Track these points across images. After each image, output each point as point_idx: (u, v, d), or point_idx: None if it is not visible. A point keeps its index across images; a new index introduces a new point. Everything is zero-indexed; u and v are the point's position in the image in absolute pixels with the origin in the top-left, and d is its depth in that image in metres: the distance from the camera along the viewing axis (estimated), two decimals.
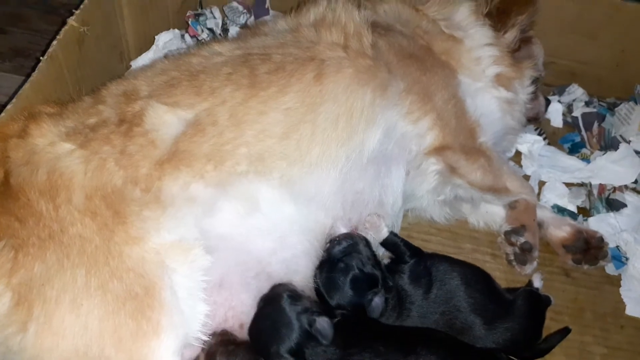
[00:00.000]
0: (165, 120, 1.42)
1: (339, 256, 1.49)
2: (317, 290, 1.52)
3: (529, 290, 1.67)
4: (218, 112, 1.44)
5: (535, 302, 1.64)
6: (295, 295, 1.45)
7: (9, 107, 1.48)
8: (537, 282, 1.73)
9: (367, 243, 1.57)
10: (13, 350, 1.18)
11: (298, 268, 1.53)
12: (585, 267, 1.91)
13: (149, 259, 1.26)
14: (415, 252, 1.63)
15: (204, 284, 1.32)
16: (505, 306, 1.60)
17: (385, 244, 1.62)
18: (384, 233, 1.60)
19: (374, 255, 1.57)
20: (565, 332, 1.68)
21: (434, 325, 1.56)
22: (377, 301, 1.48)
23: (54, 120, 1.41)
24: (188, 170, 1.38)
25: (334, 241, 1.53)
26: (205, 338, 1.32)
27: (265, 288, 1.48)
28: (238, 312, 1.45)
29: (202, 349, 1.38)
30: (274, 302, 1.44)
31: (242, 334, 1.46)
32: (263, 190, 1.45)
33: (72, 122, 1.41)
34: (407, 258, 1.60)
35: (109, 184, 1.30)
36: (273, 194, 1.46)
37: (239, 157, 1.43)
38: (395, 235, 1.63)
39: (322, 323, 1.39)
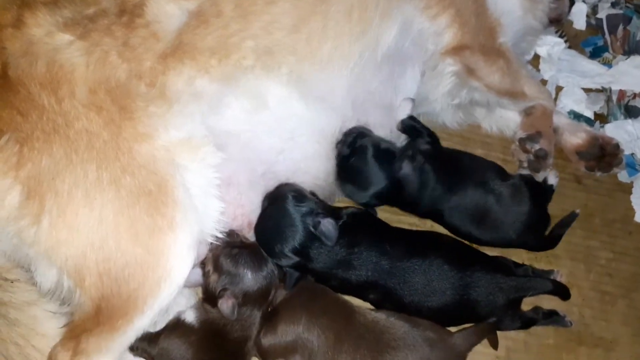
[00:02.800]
0: (167, 11, 1.34)
1: (349, 150, 1.47)
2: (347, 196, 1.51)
3: (526, 176, 1.66)
4: (222, 1, 1.37)
5: (535, 188, 1.63)
6: (299, 196, 1.44)
7: None
8: (552, 179, 1.70)
9: (369, 130, 1.55)
10: (27, 243, 1.18)
11: (307, 169, 1.51)
12: (598, 174, 1.89)
13: (159, 157, 1.24)
14: (434, 139, 1.60)
15: (216, 180, 1.31)
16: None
17: (403, 123, 1.58)
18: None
19: (380, 138, 1.55)
20: (572, 217, 1.68)
21: (456, 211, 1.57)
22: (406, 167, 1.48)
23: (49, 9, 1.32)
24: (192, 64, 1.33)
25: (337, 143, 1.51)
26: (220, 235, 1.33)
27: (273, 187, 1.48)
28: (247, 211, 1.46)
29: (209, 251, 1.39)
30: (278, 202, 1.44)
31: (251, 233, 1.48)
32: (271, 86, 1.41)
33: (69, 12, 1.33)
34: (424, 142, 1.57)
35: (112, 77, 1.26)
36: (281, 91, 1.42)
37: (245, 50, 1.37)
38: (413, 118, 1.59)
39: (327, 225, 1.40)
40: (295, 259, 1.41)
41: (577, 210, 1.70)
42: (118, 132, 1.22)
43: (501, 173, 1.63)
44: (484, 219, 1.57)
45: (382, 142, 1.52)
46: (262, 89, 1.40)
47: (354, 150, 1.48)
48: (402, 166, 1.48)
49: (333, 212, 1.47)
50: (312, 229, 1.40)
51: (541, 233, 1.64)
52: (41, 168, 1.17)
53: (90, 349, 1.19)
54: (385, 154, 1.51)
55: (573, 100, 2.03)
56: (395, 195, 1.51)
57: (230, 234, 1.41)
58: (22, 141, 1.19)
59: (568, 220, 1.68)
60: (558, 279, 1.59)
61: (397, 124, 1.60)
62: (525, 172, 1.83)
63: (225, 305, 1.33)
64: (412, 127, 1.59)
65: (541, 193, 1.65)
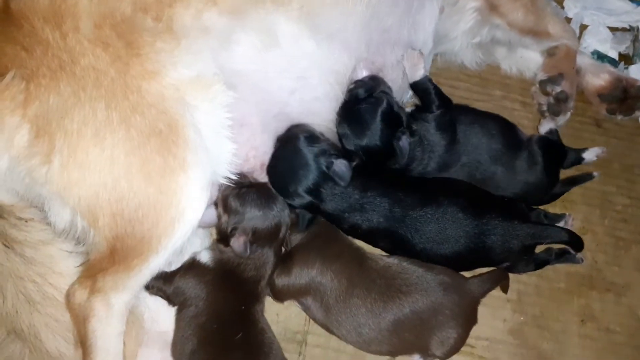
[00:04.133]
0: None
1: (365, 94, 1.43)
2: (339, 135, 1.48)
3: (544, 138, 1.61)
4: None
5: (550, 149, 1.59)
6: (312, 137, 1.43)
7: None
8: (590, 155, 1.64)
9: (390, 89, 1.50)
10: (39, 182, 1.17)
11: (319, 111, 1.47)
12: (619, 117, 1.83)
13: (168, 96, 1.21)
14: (444, 102, 1.54)
15: (228, 121, 1.28)
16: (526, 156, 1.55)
17: (416, 86, 1.53)
18: (420, 74, 1.50)
19: (396, 100, 1.51)
20: (587, 177, 1.66)
21: (454, 175, 1.54)
22: (405, 141, 1.44)
23: None
24: None
25: (358, 82, 1.46)
26: (233, 177, 1.32)
27: (284, 128, 1.45)
28: (260, 153, 1.44)
29: (219, 193, 1.39)
30: (290, 143, 1.42)
31: (263, 175, 1.47)
32: (282, 22, 1.35)
33: None
34: (435, 108, 1.52)
35: (117, 11, 1.20)
36: (292, 28, 1.36)
37: None
38: (430, 80, 1.53)
39: (340, 165, 1.39)
40: (308, 198, 1.42)
41: (595, 173, 1.66)
42: (125, 70, 1.18)
43: (511, 140, 1.56)
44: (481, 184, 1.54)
45: (396, 106, 1.47)
46: (273, 25, 1.35)
47: (369, 97, 1.43)
48: (402, 138, 1.44)
49: (345, 154, 1.45)
50: (326, 169, 1.40)
51: (546, 194, 1.60)
52: (49, 106, 1.14)
53: (107, 287, 1.20)
54: (395, 118, 1.45)
55: (597, 40, 1.95)
56: (383, 159, 1.47)
57: (241, 176, 1.40)
58: (28, 78, 1.15)
59: (580, 180, 1.65)
60: (570, 223, 1.58)
61: (410, 82, 1.53)
62: (546, 114, 1.77)
63: (237, 243, 1.34)
64: (425, 89, 1.52)
65: (556, 157, 1.60)
